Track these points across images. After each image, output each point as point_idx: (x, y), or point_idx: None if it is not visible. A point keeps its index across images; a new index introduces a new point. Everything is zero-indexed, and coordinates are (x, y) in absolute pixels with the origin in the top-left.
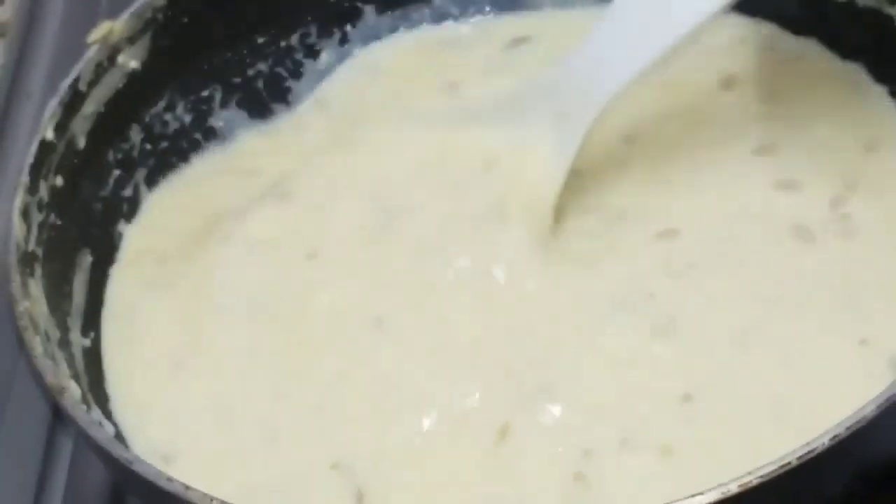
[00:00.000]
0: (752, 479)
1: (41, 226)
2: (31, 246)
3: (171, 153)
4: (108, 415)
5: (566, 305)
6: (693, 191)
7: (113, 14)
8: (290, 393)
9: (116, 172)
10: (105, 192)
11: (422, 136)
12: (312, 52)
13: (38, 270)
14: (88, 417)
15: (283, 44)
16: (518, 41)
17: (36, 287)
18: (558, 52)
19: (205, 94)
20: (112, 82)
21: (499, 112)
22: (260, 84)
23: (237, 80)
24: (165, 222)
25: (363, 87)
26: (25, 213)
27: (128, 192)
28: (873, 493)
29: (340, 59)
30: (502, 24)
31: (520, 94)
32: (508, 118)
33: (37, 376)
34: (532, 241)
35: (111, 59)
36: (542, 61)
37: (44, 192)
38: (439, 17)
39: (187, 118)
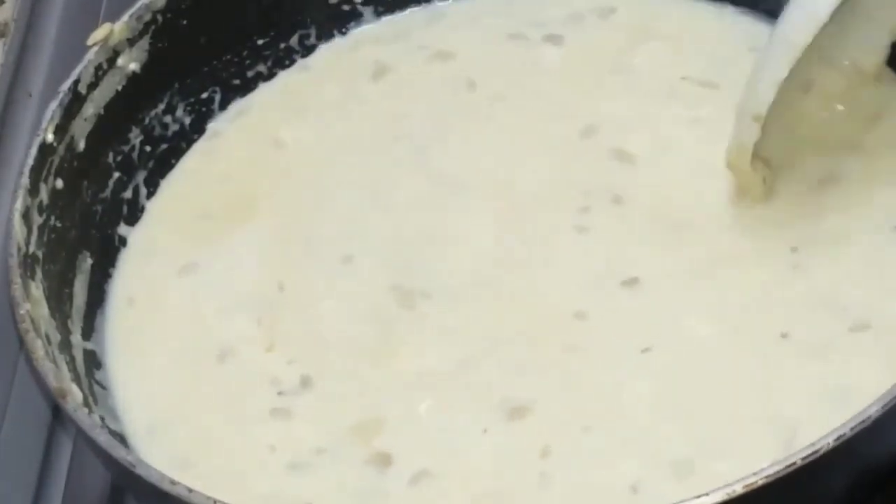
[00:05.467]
0: (757, 480)
1: (41, 228)
2: (32, 248)
3: (170, 155)
4: (109, 416)
5: None
6: None
7: (113, 16)
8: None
9: (116, 174)
10: (105, 195)
11: None
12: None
13: (39, 273)
14: (90, 420)
15: (282, 45)
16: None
17: (37, 289)
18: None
19: (204, 95)
20: (112, 84)
21: None
22: (260, 86)
23: (237, 81)
24: (167, 223)
25: None
26: (26, 216)
27: (127, 194)
28: (877, 493)
29: None
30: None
31: None
32: None
33: (38, 379)
34: None
35: (111, 61)
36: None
37: (44, 194)
38: None
39: (187, 120)
